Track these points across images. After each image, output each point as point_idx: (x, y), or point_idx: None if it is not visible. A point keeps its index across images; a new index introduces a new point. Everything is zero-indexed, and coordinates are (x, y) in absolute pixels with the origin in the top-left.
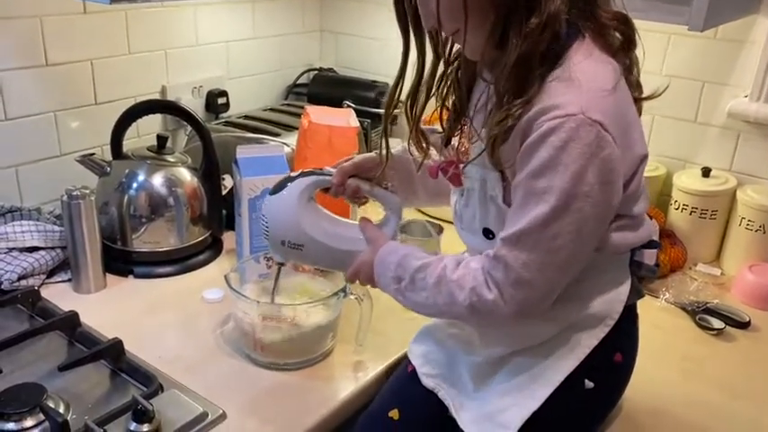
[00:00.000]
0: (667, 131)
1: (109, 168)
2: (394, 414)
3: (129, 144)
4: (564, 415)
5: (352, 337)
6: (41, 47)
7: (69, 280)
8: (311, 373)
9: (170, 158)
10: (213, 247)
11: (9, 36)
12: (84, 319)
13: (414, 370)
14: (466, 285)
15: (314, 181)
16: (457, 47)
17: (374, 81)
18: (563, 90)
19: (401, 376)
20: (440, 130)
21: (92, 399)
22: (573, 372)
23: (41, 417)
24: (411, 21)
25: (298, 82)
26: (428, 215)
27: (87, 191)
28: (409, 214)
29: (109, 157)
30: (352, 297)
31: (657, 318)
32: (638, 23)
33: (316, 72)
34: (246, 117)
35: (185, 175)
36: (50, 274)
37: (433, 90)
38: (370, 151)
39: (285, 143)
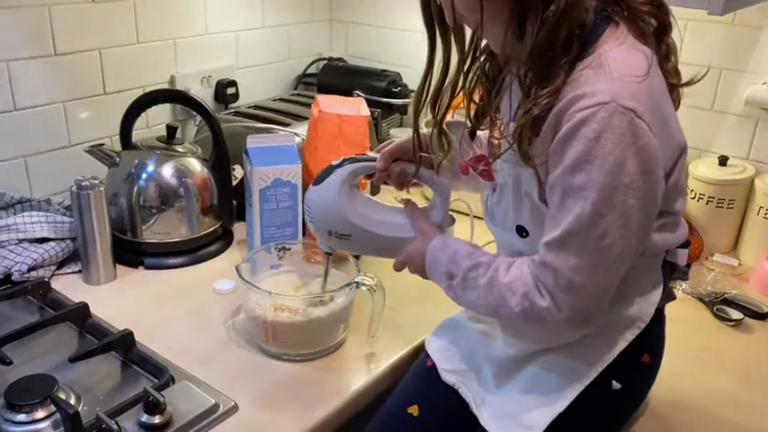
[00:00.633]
0: (683, 120)
1: (118, 159)
2: (413, 410)
3: (138, 135)
4: (589, 416)
5: (364, 328)
6: (50, 36)
7: (79, 271)
8: (323, 365)
9: (180, 149)
10: (224, 238)
11: (17, 25)
12: (94, 310)
13: (433, 365)
14: (518, 291)
15: (356, 168)
16: (485, 40)
17: (384, 70)
18: (593, 78)
19: (420, 371)
20: (466, 122)
21: (103, 390)
22: (600, 373)
23: (52, 408)
24: (435, 16)
25: (307, 72)
26: None
27: (97, 181)
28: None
29: (118, 147)
30: (364, 288)
31: (675, 309)
32: None
33: (325, 62)
34: (256, 107)
35: (195, 165)
36: (60, 265)
37: (459, 86)
38: (381, 141)
39: (296, 133)
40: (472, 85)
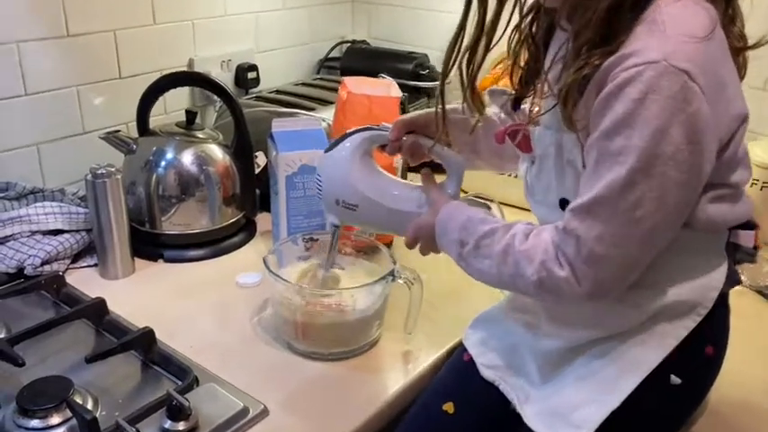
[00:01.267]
0: None
1: (135, 146)
2: (448, 408)
3: (155, 121)
4: (645, 414)
5: (399, 324)
6: (62, 16)
7: (95, 265)
8: (357, 364)
9: (200, 135)
10: (247, 229)
11: (27, 4)
12: (111, 306)
13: (471, 360)
14: (535, 258)
15: (369, 136)
16: None
17: (411, 52)
18: (645, 35)
19: (456, 366)
20: (510, 91)
21: (122, 393)
22: (657, 366)
23: (68, 413)
24: None
25: (329, 56)
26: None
27: (113, 169)
28: None
29: (135, 134)
30: (400, 281)
31: (733, 303)
32: None
33: (348, 45)
34: (278, 92)
35: (216, 152)
36: (75, 258)
37: (493, 43)
38: None
39: (322, 118)
40: (518, 48)
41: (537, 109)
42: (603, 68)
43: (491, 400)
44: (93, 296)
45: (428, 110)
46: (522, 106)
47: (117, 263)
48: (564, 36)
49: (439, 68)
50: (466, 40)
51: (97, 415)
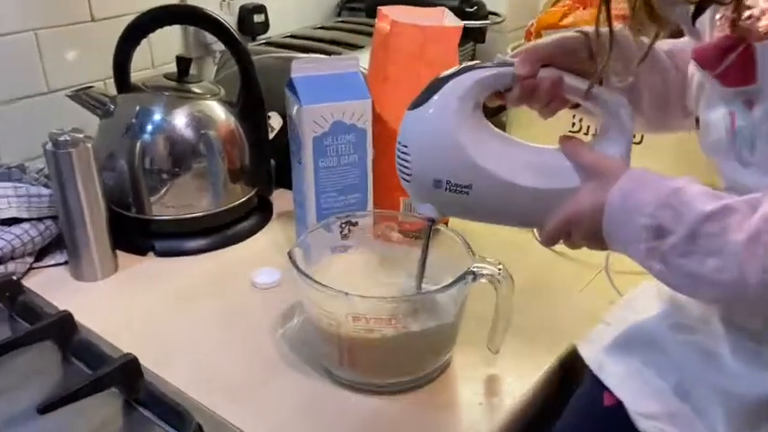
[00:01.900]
0: None
1: (113, 106)
2: None
3: (139, 77)
4: None
5: (475, 340)
6: None
7: (66, 263)
8: (424, 399)
9: (196, 89)
10: (261, 211)
11: None
12: (85, 319)
13: (617, 405)
14: None
15: (481, 78)
16: None
17: None
18: None
19: (591, 414)
20: None
21: None
22: None
23: None
24: None
25: None
26: None
27: (81, 135)
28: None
29: (113, 91)
30: (483, 280)
31: None
32: None
33: None
34: (293, 36)
35: (218, 111)
36: (40, 255)
37: None
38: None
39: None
40: None
41: (759, 12)
42: None
43: None
44: (63, 307)
45: (562, 34)
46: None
47: (93, 260)
48: None
49: (489, 5)
50: None
51: None
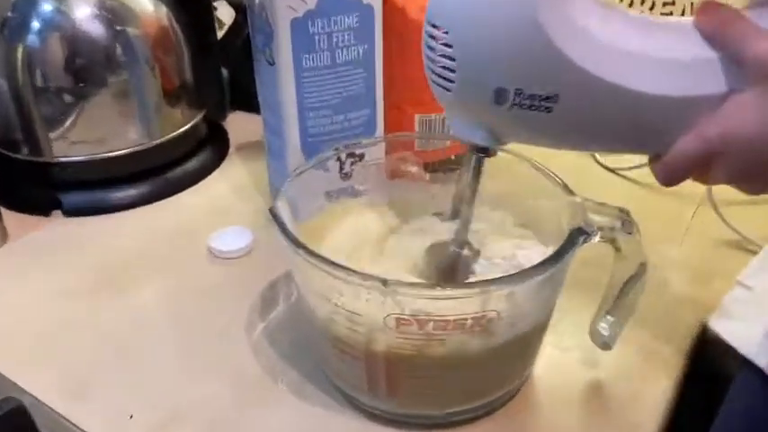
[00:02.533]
0: None
1: None
2: None
3: None
4: None
5: (559, 330)
6: None
7: None
8: (503, 425)
9: None
10: (213, 144)
11: None
12: None
13: None
14: None
15: None
16: None
17: None
18: None
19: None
20: None
21: None
22: None
23: None
24: None
25: None
26: None
27: None
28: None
29: None
30: (596, 239)
31: None
32: None
33: None
34: None
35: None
36: None
37: None
38: None
39: None
40: None
41: None
42: None
43: None
44: None
45: None
46: None
47: None
48: None
49: None
50: None
51: None
